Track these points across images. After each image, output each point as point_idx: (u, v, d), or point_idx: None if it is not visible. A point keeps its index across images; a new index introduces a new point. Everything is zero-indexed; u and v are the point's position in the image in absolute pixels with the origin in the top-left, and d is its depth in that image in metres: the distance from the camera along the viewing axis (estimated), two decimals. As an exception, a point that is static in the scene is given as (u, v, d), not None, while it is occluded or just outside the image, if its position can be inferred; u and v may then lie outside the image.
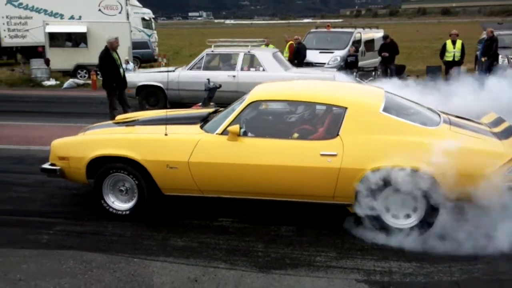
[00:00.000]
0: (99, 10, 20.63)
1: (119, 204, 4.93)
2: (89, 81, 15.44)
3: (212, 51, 11.16)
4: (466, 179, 4.11)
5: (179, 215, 5.04)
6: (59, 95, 13.41)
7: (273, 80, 8.80)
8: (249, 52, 10.74)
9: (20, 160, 7.10)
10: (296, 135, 4.70)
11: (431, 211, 4.26)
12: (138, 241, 4.44)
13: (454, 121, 4.84)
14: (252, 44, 11.40)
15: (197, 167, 4.59)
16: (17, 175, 6.39)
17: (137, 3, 26.05)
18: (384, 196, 4.29)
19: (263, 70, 10.43)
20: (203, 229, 4.69)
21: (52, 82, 15.61)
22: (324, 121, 4.86)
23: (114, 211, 4.90)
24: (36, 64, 16.25)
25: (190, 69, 10.80)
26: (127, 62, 13.25)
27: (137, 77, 11.20)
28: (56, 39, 17.03)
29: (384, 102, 4.65)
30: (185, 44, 38.72)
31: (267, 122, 5.33)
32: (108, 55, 8.55)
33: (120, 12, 20.85)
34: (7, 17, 20.19)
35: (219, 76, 10.28)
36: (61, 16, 20.63)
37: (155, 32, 26.42)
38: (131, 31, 18.37)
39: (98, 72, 15.72)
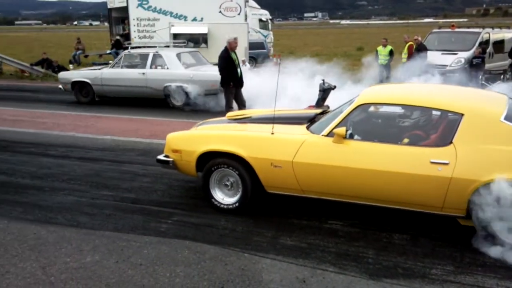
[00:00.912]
0: (220, 12, 21.43)
1: (225, 198, 5.13)
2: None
3: (129, 52, 13.06)
4: None
5: (288, 214, 5.06)
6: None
7: (174, 76, 11.45)
8: (157, 52, 12.17)
9: (144, 152, 7.62)
10: (406, 140, 4.51)
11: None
12: (248, 237, 4.54)
13: None
14: (160, 46, 13.74)
15: (301, 167, 4.62)
16: (140, 166, 6.87)
17: (255, 5, 26.68)
18: (499, 210, 3.90)
19: (167, 68, 11.76)
20: (313, 230, 4.67)
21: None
22: (437, 128, 4.63)
23: (219, 204, 5.10)
24: (161, 63, 17.36)
25: (112, 67, 12.58)
26: (243, 62, 13.58)
27: (71, 74, 13.40)
28: (179, 39, 18.03)
29: (506, 109, 4.31)
30: (299, 44, 38.93)
31: (375, 125, 5.24)
32: (228, 55, 8.87)
33: (239, 14, 21.49)
34: (137, 19, 21.78)
35: (131, 74, 12.09)
36: (185, 18, 21.77)
37: (271, 32, 26.86)
38: (249, 32, 18.86)
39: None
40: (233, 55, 8.93)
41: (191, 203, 5.40)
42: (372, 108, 5.16)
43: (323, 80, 8.39)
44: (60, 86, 13.27)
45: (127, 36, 22.89)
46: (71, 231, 4.74)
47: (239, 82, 9.13)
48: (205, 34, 17.65)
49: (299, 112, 6.06)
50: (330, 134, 4.55)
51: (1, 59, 20.46)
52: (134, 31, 21.96)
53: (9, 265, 4.07)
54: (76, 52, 24.31)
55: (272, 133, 4.82)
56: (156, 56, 12.00)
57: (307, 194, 4.78)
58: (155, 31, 21.38)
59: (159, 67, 11.92)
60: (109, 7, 23.90)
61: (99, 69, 13.07)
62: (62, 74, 13.56)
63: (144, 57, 12.25)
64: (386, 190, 4.36)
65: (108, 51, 23.44)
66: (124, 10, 22.19)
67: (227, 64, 8.91)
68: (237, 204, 5.02)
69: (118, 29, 24.62)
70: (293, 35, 56.93)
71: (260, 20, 25.97)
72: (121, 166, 6.87)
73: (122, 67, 12.39)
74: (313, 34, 57.72)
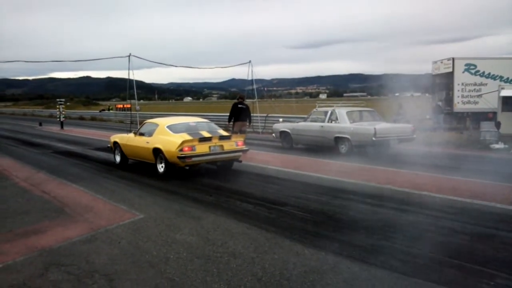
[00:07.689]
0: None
1: (117, 158, 12.96)
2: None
3: (317, 109, 15.50)
4: None
5: None
6: (506, 158, 12.88)
7: (342, 129, 13.97)
8: (334, 110, 14.36)
9: (462, 210, 7.05)
10: (145, 135, 11.63)
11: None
12: None
13: None
14: (337, 105, 14.99)
15: (127, 146, 12.20)
16: (458, 223, 6.39)
17: None
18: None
19: (338, 122, 14.04)
20: None
21: (500, 145, 15.08)
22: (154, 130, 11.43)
23: (115, 161, 12.90)
24: (486, 127, 16.15)
25: (304, 121, 15.68)
26: None
27: (279, 125, 16.73)
28: (509, 103, 16.58)
29: (180, 123, 11.44)
30: None
31: (146, 129, 11.83)
32: None
33: None
34: (462, 84, 21.19)
35: (314, 126, 14.84)
36: (517, 81, 20.04)
37: None
38: None
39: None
40: None
41: (519, 270, 4.64)
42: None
43: None
44: (273, 135, 16.81)
45: (447, 102, 22.41)
46: (382, 272, 4.68)
47: None
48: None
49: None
50: (136, 133, 11.91)
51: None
52: (458, 96, 21.38)
53: (324, 290, 4.24)
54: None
55: (129, 134, 12.55)
56: (332, 113, 14.26)
57: (131, 158, 12.21)
58: (480, 95, 20.30)
59: (333, 122, 14.17)
60: (433, 73, 24.02)
61: (297, 122, 16.33)
62: (275, 126, 16.95)
63: (325, 113, 14.67)
64: (142, 154, 11.48)
65: (428, 116, 23.35)
66: (448, 76, 21.92)
67: None
68: (119, 161, 12.53)
69: (440, 95, 24.42)
70: None
71: None
72: (436, 221, 6.52)
73: (310, 121, 15.18)
74: None
